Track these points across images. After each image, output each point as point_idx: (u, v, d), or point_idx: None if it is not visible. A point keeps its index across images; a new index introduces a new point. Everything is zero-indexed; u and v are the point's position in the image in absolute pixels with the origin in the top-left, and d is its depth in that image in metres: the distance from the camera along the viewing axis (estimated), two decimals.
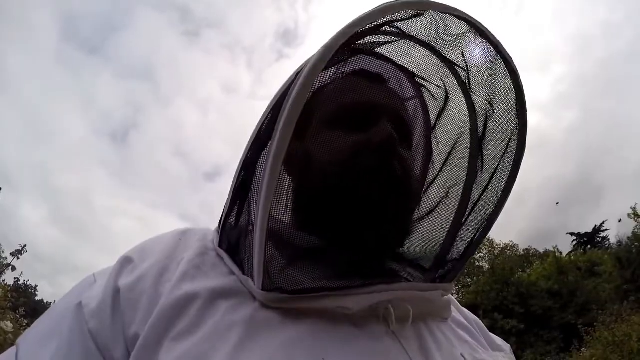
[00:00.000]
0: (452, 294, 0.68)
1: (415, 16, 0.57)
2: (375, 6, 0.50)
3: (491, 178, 0.67)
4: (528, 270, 26.64)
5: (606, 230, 27.58)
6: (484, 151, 0.68)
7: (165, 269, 0.53)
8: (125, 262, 0.55)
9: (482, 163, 0.68)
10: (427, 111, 0.73)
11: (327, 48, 0.48)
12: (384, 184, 0.55)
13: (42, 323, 0.53)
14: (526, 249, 31.50)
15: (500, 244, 32.20)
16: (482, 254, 32.19)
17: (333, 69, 0.60)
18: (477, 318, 0.72)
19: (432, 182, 0.72)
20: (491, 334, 0.71)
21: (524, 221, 49.00)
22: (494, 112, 0.67)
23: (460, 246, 0.67)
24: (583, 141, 52.68)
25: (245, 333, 0.46)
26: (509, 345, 0.71)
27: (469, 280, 30.31)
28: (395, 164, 0.57)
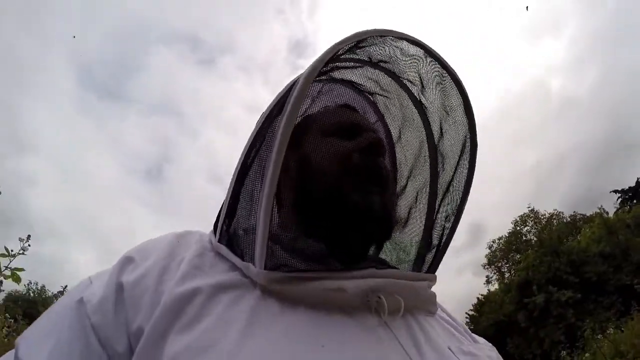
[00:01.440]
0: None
1: (378, 41, 0.69)
2: (353, 32, 0.62)
3: (453, 174, 0.76)
4: (577, 237, 25.98)
5: None
6: (443, 152, 0.79)
7: (167, 268, 0.55)
8: (126, 261, 0.56)
9: (443, 163, 0.78)
10: (388, 127, 0.85)
11: (315, 64, 0.58)
12: (373, 177, 0.63)
13: (41, 322, 0.53)
14: (572, 215, 30.68)
15: (545, 214, 31.54)
16: (528, 227, 31.61)
17: (325, 92, 0.78)
18: (460, 321, 0.76)
19: (405, 186, 0.82)
20: (473, 334, 0.74)
21: (565, 188, 47.58)
22: (448, 117, 0.77)
23: (435, 239, 0.75)
24: (610, 96, 50.35)
25: (247, 323, 0.48)
26: (491, 346, 0.73)
27: (518, 256, 29.79)
28: (383, 163, 0.67)
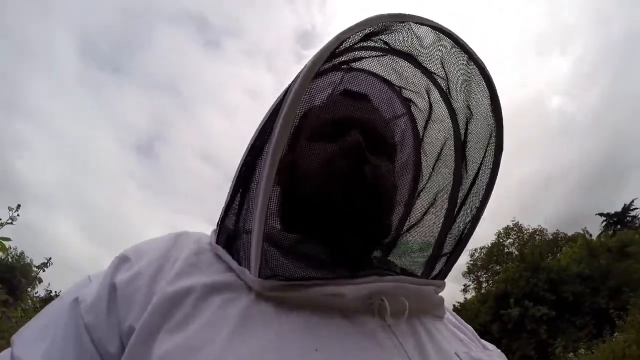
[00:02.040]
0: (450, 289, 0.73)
1: (393, 27, 0.62)
2: (362, 19, 0.55)
3: (475, 178, 0.71)
4: (558, 255, 26.32)
5: (636, 209, 26.78)
6: (467, 154, 0.73)
7: (161, 267, 0.54)
8: (122, 260, 0.56)
9: (466, 165, 0.73)
10: (415, 122, 0.79)
11: (319, 56, 0.52)
12: (357, 183, 0.59)
13: (37, 320, 0.53)
14: (555, 233, 31.09)
15: (528, 229, 31.88)
16: (510, 240, 31.95)
17: (334, 84, 0.70)
18: (469, 326, 0.74)
19: (423, 187, 0.77)
20: (483, 340, 0.72)
21: (551, 205, 48.39)
22: (472, 116, 0.71)
23: (449, 246, 0.71)
24: (608, 120, 51.10)
25: (239, 324, 0.47)
26: (501, 352, 0.71)
27: (498, 267, 30.14)
28: (367, 166, 0.60)
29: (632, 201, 27.00)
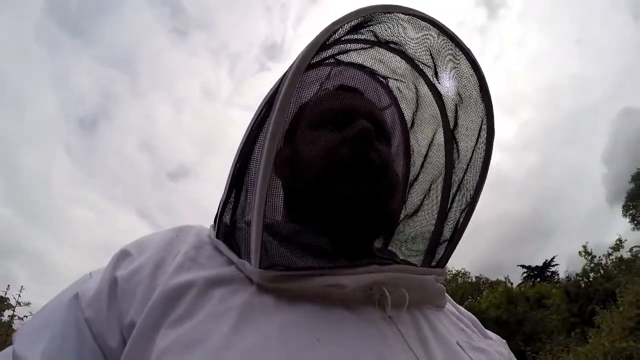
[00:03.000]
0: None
1: (383, 18, 0.62)
2: (352, 10, 0.55)
3: (469, 163, 0.70)
4: (478, 298, 26.79)
5: (556, 265, 28.39)
6: (458, 140, 0.72)
7: (162, 262, 0.53)
8: (123, 255, 0.55)
9: (458, 151, 0.72)
10: (402, 112, 0.78)
11: (312, 44, 0.52)
12: (365, 171, 0.58)
13: (38, 316, 0.53)
14: (478, 277, 31.90)
15: (452, 270, 32.46)
16: None
17: (323, 77, 0.70)
18: (470, 314, 0.72)
19: (417, 176, 0.76)
20: (485, 329, 0.70)
21: (477, 251, 50.20)
22: (462, 102, 0.70)
23: (447, 233, 0.70)
24: (540, 183, 55.05)
25: (240, 317, 0.45)
26: (504, 341, 0.70)
27: None
28: (373, 153, 0.59)
29: (553, 258, 28.61)
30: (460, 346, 0.55)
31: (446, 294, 0.65)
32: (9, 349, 0.50)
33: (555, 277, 27.58)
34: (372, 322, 0.50)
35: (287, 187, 0.62)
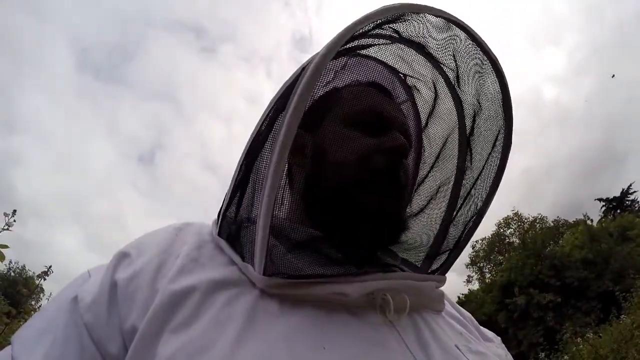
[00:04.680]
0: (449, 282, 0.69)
1: (409, 17, 0.61)
2: (377, 7, 0.54)
3: (480, 173, 0.70)
4: (560, 242, 26.36)
5: (634, 192, 26.89)
6: (473, 148, 0.72)
7: (163, 264, 0.53)
8: (122, 256, 0.54)
9: (471, 159, 0.72)
10: (418, 112, 0.77)
11: (335, 41, 0.51)
12: (393, 185, 0.59)
13: (37, 319, 0.52)
14: (555, 220, 31.12)
15: (529, 218, 31.92)
16: (511, 230, 32.00)
17: (345, 73, 0.67)
18: (469, 314, 0.74)
19: (424, 179, 0.76)
20: (482, 327, 0.72)
21: (551, 193, 48.54)
22: (481, 110, 0.70)
23: (451, 240, 0.70)
24: (603, 107, 51.18)
25: (244, 324, 0.46)
26: (499, 338, 0.72)
27: (500, 258, 30.16)
28: (402, 169, 0.60)
29: (630, 185, 27.19)
30: (459, 349, 0.56)
31: (444, 299, 0.66)
32: (6, 352, 0.49)
33: (636, 205, 26.51)
34: (375, 327, 0.51)
35: (302, 182, 0.61)
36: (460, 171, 0.73)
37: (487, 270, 31.93)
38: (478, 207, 0.70)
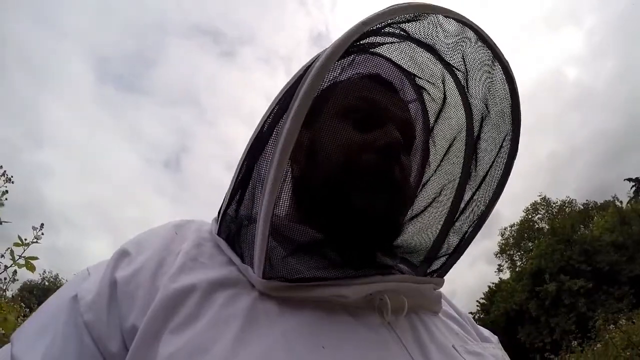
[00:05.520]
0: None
1: (419, 18, 0.60)
2: (386, 7, 0.52)
3: (484, 177, 0.69)
4: (590, 225, 25.90)
5: None
6: (478, 151, 0.71)
7: (163, 262, 0.52)
8: (122, 254, 0.54)
9: (476, 163, 0.71)
10: (427, 113, 0.75)
11: (339, 43, 0.49)
12: (386, 184, 0.57)
13: (36, 317, 0.51)
14: (585, 203, 30.46)
15: (557, 202, 31.38)
16: (540, 215, 31.55)
17: (346, 70, 0.63)
18: (467, 313, 0.74)
19: (428, 181, 0.74)
20: (479, 326, 0.72)
21: (579, 178, 47.16)
22: (489, 114, 0.69)
23: (452, 243, 0.70)
24: (626, 86, 49.27)
25: (244, 324, 0.46)
26: (496, 336, 0.72)
27: (530, 244, 29.81)
28: (397, 168, 0.59)
29: None
30: (456, 350, 0.56)
31: (442, 299, 0.66)
32: (5, 350, 0.49)
33: None
34: (373, 328, 0.51)
35: (298, 178, 0.61)
36: (465, 174, 0.72)
37: (517, 257, 31.58)
38: (480, 211, 0.69)
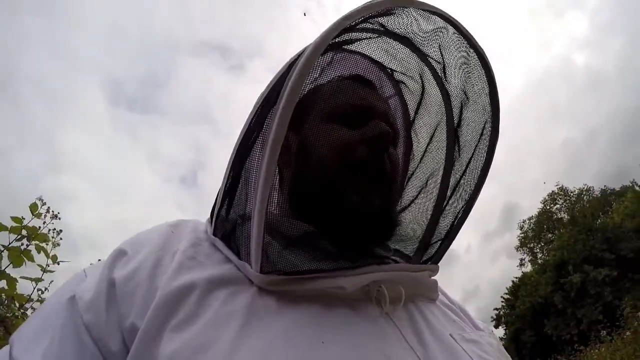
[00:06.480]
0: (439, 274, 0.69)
1: (394, 11, 0.61)
2: (363, 3, 0.54)
3: (468, 163, 0.71)
4: (610, 213, 25.54)
5: None
6: (460, 138, 0.73)
7: (160, 261, 0.53)
8: (119, 254, 0.54)
9: (459, 150, 0.73)
10: (406, 105, 0.77)
11: (321, 39, 0.51)
12: (379, 177, 0.59)
13: (35, 319, 0.51)
14: (602, 190, 29.99)
15: (574, 191, 30.95)
16: (558, 205, 31.16)
17: (330, 67, 0.65)
18: (460, 303, 0.74)
19: (414, 171, 0.76)
20: (472, 317, 0.73)
21: (595, 164, 46.42)
22: (468, 101, 0.71)
23: (442, 229, 0.71)
24: (636, 65, 48.74)
25: (244, 320, 0.46)
26: (489, 327, 0.73)
27: (550, 235, 29.45)
28: (386, 159, 0.61)
29: None
30: (453, 338, 0.56)
31: (439, 286, 0.67)
32: (4, 351, 0.49)
33: None
34: (372, 319, 0.51)
35: (291, 179, 0.61)
36: (449, 162, 0.74)
37: (538, 250, 31.21)
38: (467, 197, 0.71)
